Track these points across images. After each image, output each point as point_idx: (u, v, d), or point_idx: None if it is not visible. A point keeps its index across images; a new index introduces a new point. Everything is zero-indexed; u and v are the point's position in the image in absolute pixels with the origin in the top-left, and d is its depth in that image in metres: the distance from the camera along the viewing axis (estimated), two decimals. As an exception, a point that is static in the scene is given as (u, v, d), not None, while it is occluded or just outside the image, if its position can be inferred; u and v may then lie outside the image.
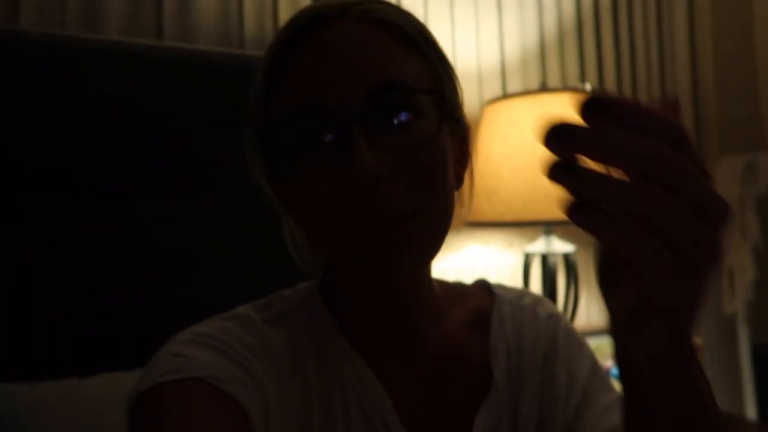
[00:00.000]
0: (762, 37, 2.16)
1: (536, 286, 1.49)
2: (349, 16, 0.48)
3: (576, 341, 0.61)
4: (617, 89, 1.80)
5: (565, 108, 1.30)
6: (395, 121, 0.46)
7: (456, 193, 0.54)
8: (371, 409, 0.53)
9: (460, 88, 0.54)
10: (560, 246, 1.41)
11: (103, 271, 1.02)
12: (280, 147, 0.48)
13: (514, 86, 1.64)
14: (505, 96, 1.46)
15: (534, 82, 1.65)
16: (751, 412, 1.93)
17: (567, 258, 1.43)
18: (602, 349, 1.56)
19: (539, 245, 1.42)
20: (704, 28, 2.01)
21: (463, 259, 1.56)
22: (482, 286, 0.64)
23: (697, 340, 1.53)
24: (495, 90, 1.62)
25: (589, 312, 1.73)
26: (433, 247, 0.49)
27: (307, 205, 0.48)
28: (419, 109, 0.47)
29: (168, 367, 0.45)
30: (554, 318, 0.61)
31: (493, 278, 1.56)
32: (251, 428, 0.45)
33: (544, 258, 1.42)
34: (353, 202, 0.44)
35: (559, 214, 1.23)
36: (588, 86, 1.35)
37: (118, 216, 1.04)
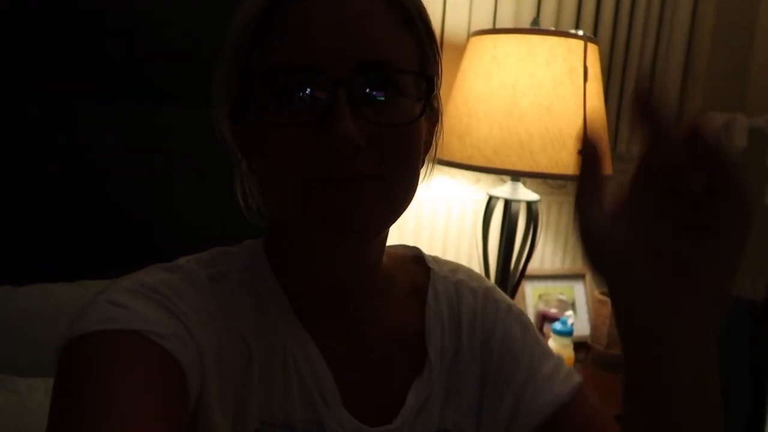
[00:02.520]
0: (765, 2, 2.07)
1: (496, 227, 1.49)
2: None
3: (515, 314, 0.62)
4: (611, 38, 1.72)
5: (551, 53, 1.23)
6: (380, 97, 0.46)
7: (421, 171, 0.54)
8: (311, 381, 0.52)
9: (441, 71, 0.54)
10: (525, 193, 1.39)
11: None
12: (257, 97, 0.47)
13: (505, 15, 1.54)
14: (494, 30, 1.37)
15: (527, 15, 1.56)
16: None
17: (530, 206, 1.42)
18: (549, 294, 1.60)
19: (504, 189, 1.41)
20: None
21: (428, 190, 1.54)
22: (417, 256, 0.64)
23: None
24: (485, 18, 1.52)
25: (543, 257, 1.76)
26: (391, 213, 0.49)
27: (273, 157, 0.47)
28: (404, 90, 0.47)
29: (104, 315, 0.42)
30: (491, 293, 0.62)
31: (455, 213, 1.57)
32: (186, 387, 0.43)
33: (507, 203, 1.41)
34: (324, 162, 0.44)
35: (528, 165, 1.22)
36: (581, 33, 1.27)
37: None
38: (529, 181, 1.48)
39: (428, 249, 0.65)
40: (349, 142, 0.43)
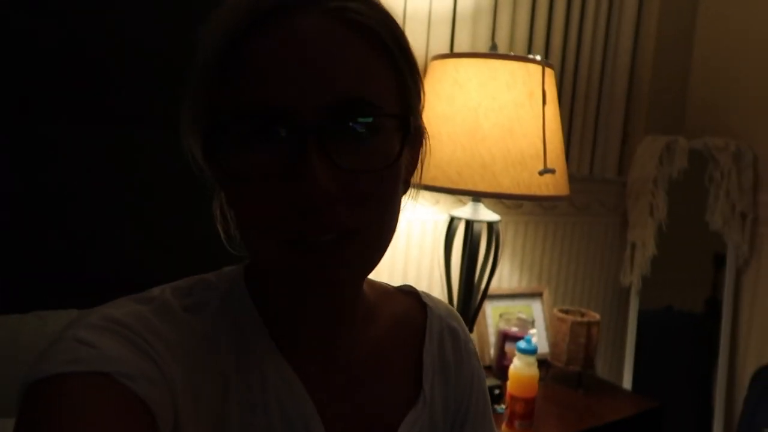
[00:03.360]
0: (702, 30, 2.21)
1: (458, 247, 1.49)
2: (324, 12, 0.42)
3: (483, 372, 0.66)
4: (561, 58, 1.79)
5: (512, 77, 1.26)
6: (355, 140, 0.42)
7: (403, 200, 0.52)
8: (293, 413, 0.50)
9: (424, 94, 0.51)
10: (486, 214, 1.41)
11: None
12: (223, 137, 0.43)
13: (462, 39, 1.57)
14: (454, 54, 1.40)
15: (483, 40, 1.60)
16: (629, 376, 2.11)
17: (491, 226, 1.44)
18: (509, 313, 1.62)
19: (466, 210, 1.42)
20: (652, 13, 2.03)
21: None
22: (410, 292, 0.64)
23: (594, 313, 1.62)
24: (443, 41, 1.55)
25: (501, 276, 1.78)
26: (370, 266, 0.47)
27: (241, 210, 0.44)
28: (382, 131, 0.44)
29: (70, 356, 0.39)
30: (471, 344, 0.64)
31: (416, 235, 1.57)
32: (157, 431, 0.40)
33: (469, 223, 1.42)
34: (294, 219, 0.41)
35: (491, 186, 1.24)
36: (538, 58, 1.31)
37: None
38: (488, 201, 1.51)
39: (391, 271, 0.66)
40: (322, 196, 0.39)
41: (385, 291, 0.62)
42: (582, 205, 1.99)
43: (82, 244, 0.98)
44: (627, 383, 2.08)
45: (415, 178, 0.54)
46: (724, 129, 2.10)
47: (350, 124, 0.42)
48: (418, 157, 0.54)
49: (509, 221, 1.78)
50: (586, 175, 1.95)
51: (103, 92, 1.00)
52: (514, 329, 1.52)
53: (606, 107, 1.97)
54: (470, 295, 1.43)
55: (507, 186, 1.25)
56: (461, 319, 0.65)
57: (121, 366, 0.40)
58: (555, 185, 1.31)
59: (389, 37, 0.45)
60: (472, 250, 1.42)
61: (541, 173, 1.26)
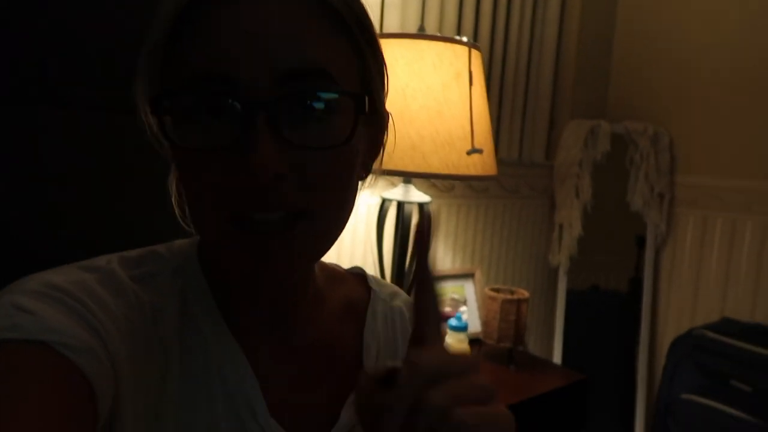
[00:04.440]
0: (622, 20, 2.30)
1: (390, 229, 1.50)
2: None
3: None
4: (489, 44, 1.82)
5: (439, 58, 1.27)
6: (306, 115, 0.41)
7: (360, 183, 0.50)
8: (237, 393, 0.49)
9: (387, 74, 0.50)
10: (417, 195, 1.42)
11: None
12: (171, 113, 0.42)
13: (391, 21, 1.57)
14: (382, 35, 1.39)
15: (412, 22, 1.60)
16: (558, 352, 2.19)
17: (422, 207, 1.45)
18: (442, 293, 1.64)
19: (397, 192, 1.42)
20: (575, 3, 2.10)
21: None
22: (358, 274, 0.64)
23: (524, 291, 1.67)
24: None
25: (437, 260, 1.80)
26: (322, 248, 0.46)
27: (187, 184, 0.43)
28: (336, 105, 0.42)
29: (7, 322, 0.37)
30: (405, 324, 0.64)
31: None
32: (95, 406, 0.38)
33: (401, 205, 1.43)
34: (240, 195, 0.40)
35: (420, 167, 1.24)
36: (465, 39, 1.33)
37: None
38: (419, 183, 1.52)
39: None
40: (269, 172, 0.38)
41: (336, 273, 0.61)
42: (512, 188, 2.04)
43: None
44: (557, 359, 2.16)
45: (376, 164, 0.52)
46: (644, 114, 2.20)
47: (303, 98, 0.40)
48: (380, 142, 0.52)
49: (442, 204, 1.80)
50: (515, 159, 2.00)
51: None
52: (447, 309, 1.54)
53: (533, 93, 2.02)
54: (402, 277, 1.44)
55: (436, 167, 1.26)
56: (409, 299, 0.64)
57: (61, 335, 0.38)
58: (483, 165, 1.34)
59: (350, 15, 0.43)
60: (403, 231, 1.42)
61: (469, 153, 1.28)
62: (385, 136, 0.52)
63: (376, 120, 0.50)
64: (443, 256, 1.83)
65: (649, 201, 2.13)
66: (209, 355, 0.48)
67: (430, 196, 1.51)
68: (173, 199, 0.53)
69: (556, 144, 2.16)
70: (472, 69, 1.31)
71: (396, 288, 0.65)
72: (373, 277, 0.64)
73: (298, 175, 0.40)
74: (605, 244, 2.27)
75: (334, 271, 0.61)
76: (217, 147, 0.39)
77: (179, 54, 0.41)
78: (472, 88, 1.30)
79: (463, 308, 1.40)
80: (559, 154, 2.14)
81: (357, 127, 0.43)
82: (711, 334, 1.74)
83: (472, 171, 1.31)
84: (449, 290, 1.70)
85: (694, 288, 2.10)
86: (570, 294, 2.20)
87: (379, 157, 0.52)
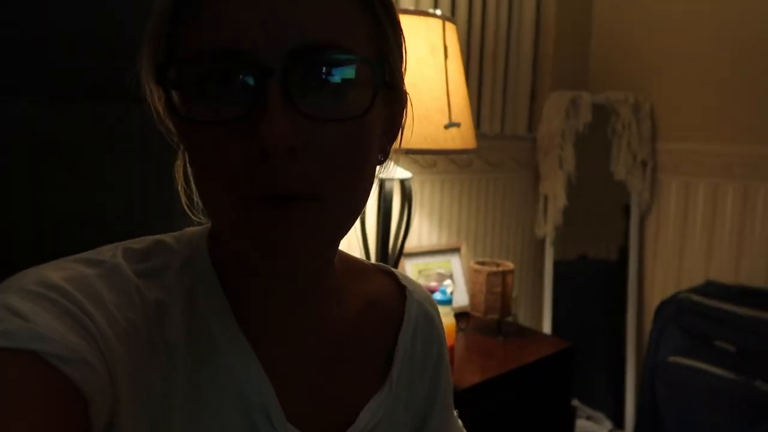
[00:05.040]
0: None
1: (371, 206, 1.51)
2: None
3: (449, 362, 0.62)
4: (467, 18, 1.81)
5: (412, 31, 1.27)
6: (321, 87, 0.38)
7: (378, 167, 0.48)
8: (252, 399, 0.46)
9: (405, 50, 0.47)
10: (398, 172, 1.42)
11: None
12: (179, 87, 0.40)
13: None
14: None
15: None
16: (547, 322, 2.21)
17: (403, 184, 1.45)
18: (429, 269, 1.65)
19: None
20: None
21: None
22: (385, 270, 0.60)
23: (510, 263, 1.69)
24: None
25: (420, 235, 1.81)
26: (337, 234, 0.43)
27: (196, 160, 0.41)
28: (354, 78, 0.39)
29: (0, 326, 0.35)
30: (443, 332, 0.61)
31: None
32: (89, 419, 0.36)
33: (382, 181, 1.43)
34: (253, 171, 0.37)
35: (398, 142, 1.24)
36: (438, 12, 1.32)
37: None
38: (401, 160, 1.52)
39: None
40: (281, 144, 0.36)
41: (361, 268, 0.58)
42: (495, 161, 2.04)
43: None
44: (547, 329, 2.19)
45: (395, 146, 0.49)
46: (624, 83, 2.20)
47: (318, 69, 0.38)
48: (399, 123, 0.48)
49: (425, 180, 1.81)
50: (498, 133, 2.01)
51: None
52: (433, 284, 1.55)
53: (513, 66, 2.02)
54: (386, 253, 1.45)
55: (414, 141, 1.26)
56: (436, 303, 0.62)
57: (54, 346, 0.35)
58: (462, 139, 1.34)
59: None
60: (385, 207, 1.43)
61: (446, 127, 1.28)
62: (404, 118, 0.49)
63: (395, 97, 0.47)
64: (429, 233, 1.85)
65: (632, 169, 2.14)
66: (219, 357, 0.45)
67: (413, 172, 1.51)
68: (179, 187, 0.50)
69: (538, 116, 2.16)
70: (447, 42, 1.30)
71: (427, 292, 0.62)
72: (402, 274, 0.60)
73: (312, 151, 0.38)
74: (592, 214, 2.29)
75: (357, 264, 0.57)
76: (227, 120, 0.37)
77: (187, 28, 0.39)
78: (447, 61, 1.30)
79: (446, 282, 1.42)
80: (541, 126, 2.15)
81: (375, 100, 0.40)
82: (695, 297, 1.76)
83: (451, 145, 1.31)
84: (435, 265, 1.72)
85: (679, 253, 2.13)
86: (559, 264, 2.22)
87: (398, 141, 0.49)
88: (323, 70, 0.38)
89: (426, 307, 0.59)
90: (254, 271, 0.47)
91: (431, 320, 0.59)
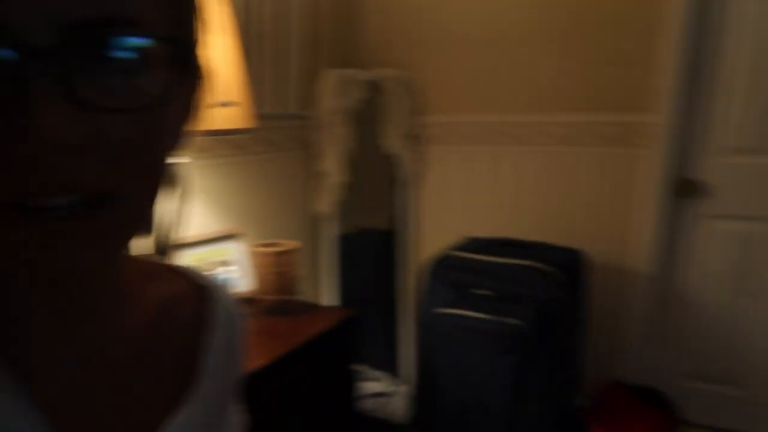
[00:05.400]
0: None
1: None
2: None
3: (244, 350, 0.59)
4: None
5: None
6: (105, 70, 0.30)
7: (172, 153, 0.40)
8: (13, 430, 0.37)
9: (204, 20, 0.39)
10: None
11: None
12: None
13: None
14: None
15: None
16: (330, 295, 2.29)
17: (176, 170, 1.35)
18: (208, 258, 1.58)
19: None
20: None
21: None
22: (177, 271, 0.53)
23: (293, 242, 1.69)
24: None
25: (198, 224, 1.72)
26: (121, 242, 0.36)
27: None
28: (146, 60, 0.32)
29: None
30: (244, 326, 0.57)
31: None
32: None
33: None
34: (15, 175, 0.29)
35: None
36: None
37: None
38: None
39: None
40: (47, 141, 0.28)
41: (151, 270, 0.50)
42: (271, 142, 2.02)
43: None
44: (333, 302, 2.27)
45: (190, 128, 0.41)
46: (393, 61, 2.34)
47: (100, 47, 0.30)
48: (194, 103, 0.41)
49: (198, 165, 1.71)
50: (272, 113, 1.98)
51: None
52: (217, 269, 1.49)
53: (284, 46, 2.00)
54: (163, 246, 1.35)
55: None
56: (235, 300, 0.57)
57: None
58: (240, 118, 1.29)
59: None
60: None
61: (223, 106, 1.22)
62: (202, 96, 0.42)
63: (193, 75, 0.40)
64: (206, 220, 1.76)
65: (400, 142, 2.30)
66: None
67: (188, 157, 1.42)
68: None
69: (312, 95, 2.18)
70: (221, 17, 1.23)
71: (227, 289, 0.56)
72: (199, 273, 0.54)
73: (98, 146, 0.31)
74: (368, 188, 2.41)
75: (147, 265, 0.51)
76: None
77: None
78: (213, 35, 1.23)
79: (218, 269, 1.37)
80: (316, 104, 2.18)
81: (172, 82, 0.34)
82: (456, 253, 1.97)
83: (231, 125, 1.25)
84: (216, 254, 1.65)
85: (445, 215, 2.38)
86: (340, 239, 2.30)
87: (193, 123, 0.42)
88: (109, 51, 0.31)
89: (232, 306, 0.55)
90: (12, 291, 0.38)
91: (238, 319, 0.56)
